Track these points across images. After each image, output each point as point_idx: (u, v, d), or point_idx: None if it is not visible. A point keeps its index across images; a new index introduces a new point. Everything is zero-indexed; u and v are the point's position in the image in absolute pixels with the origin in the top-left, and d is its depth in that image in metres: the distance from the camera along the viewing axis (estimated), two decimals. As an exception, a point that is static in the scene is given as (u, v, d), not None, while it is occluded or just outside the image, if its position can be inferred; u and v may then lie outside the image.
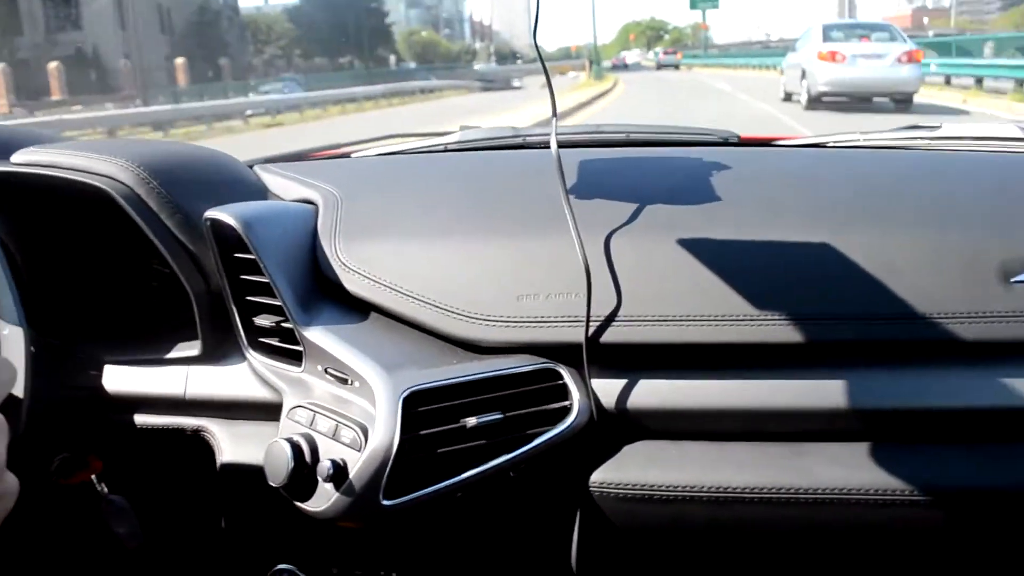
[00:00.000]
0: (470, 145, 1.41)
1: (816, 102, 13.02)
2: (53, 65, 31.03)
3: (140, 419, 1.00)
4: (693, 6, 57.67)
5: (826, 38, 13.57)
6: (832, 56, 12.76)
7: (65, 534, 1.07)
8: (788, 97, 15.24)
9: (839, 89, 12.78)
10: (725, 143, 1.36)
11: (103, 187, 0.95)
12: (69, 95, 29.72)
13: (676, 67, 60.31)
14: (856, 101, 13.01)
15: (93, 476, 1.02)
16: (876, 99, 13.24)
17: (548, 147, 1.29)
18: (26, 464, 0.73)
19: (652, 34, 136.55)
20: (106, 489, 1.04)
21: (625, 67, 75.27)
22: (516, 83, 40.88)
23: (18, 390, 0.73)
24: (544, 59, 1.00)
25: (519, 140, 1.40)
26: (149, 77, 36.73)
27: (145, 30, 44.95)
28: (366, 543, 0.94)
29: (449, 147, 1.41)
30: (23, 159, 1.00)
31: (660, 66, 62.77)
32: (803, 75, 13.42)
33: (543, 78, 1.01)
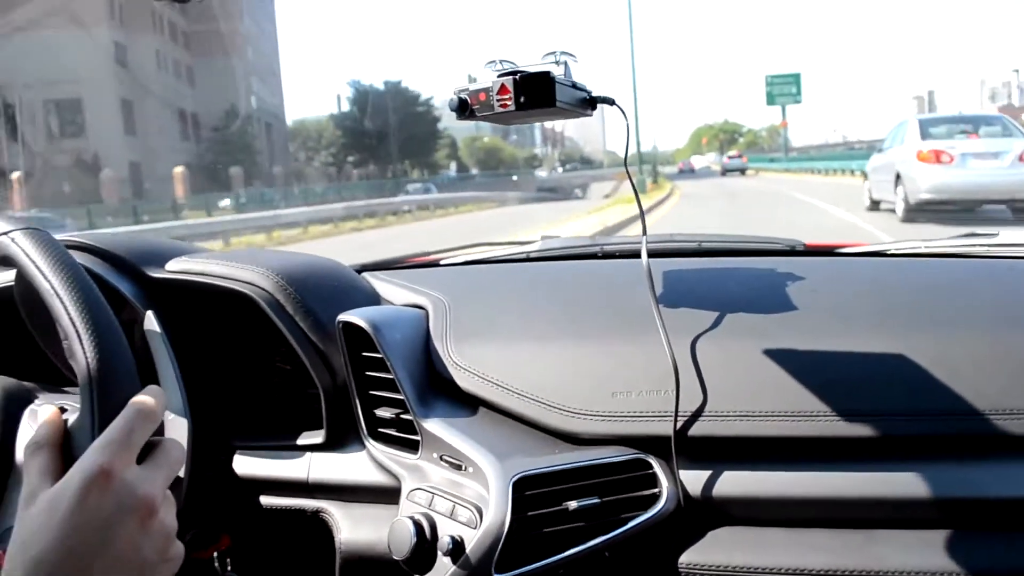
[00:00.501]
0: (551, 254, 1.54)
1: (916, 211, 10.81)
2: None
3: (266, 500, 1.12)
4: (770, 101, 51.55)
5: (925, 135, 11.39)
6: (936, 156, 10.64)
7: None
8: (875, 205, 13.22)
9: (946, 196, 10.53)
10: (792, 252, 1.46)
11: (248, 293, 1.09)
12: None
13: (742, 172, 56.19)
14: (963, 210, 10.74)
15: (216, 552, 1.13)
16: (988, 206, 11.17)
17: (626, 256, 1.41)
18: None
19: (725, 137, 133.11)
20: (229, 566, 1.14)
21: (692, 172, 71.40)
22: (579, 192, 40.21)
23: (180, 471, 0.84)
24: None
25: (596, 250, 1.53)
26: (143, 186, 34.85)
27: (158, 136, 43.29)
28: None
29: (531, 256, 1.54)
30: (178, 267, 1.15)
31: (725, 171, 58.06)
32: (897, 180, 11.32)
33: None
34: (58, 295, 0.79)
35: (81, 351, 0.77)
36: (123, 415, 0.73)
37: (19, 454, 1.00)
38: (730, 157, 66.63)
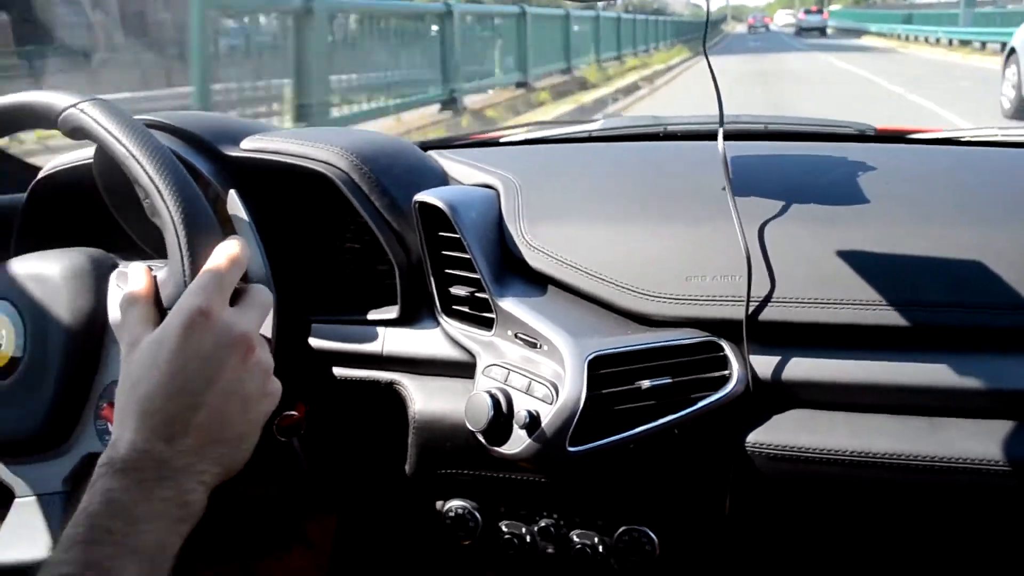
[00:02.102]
0: (614, 133, 1.54)
1: None
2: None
3: (340, 372, 1.16)
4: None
5: None
6: None
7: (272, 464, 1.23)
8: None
9: None
10: (863, 136, 1.45)
11: (324, 172, 1.11)
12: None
13: (822, 32, 47.33)
14: None
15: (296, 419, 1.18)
16: None
17: (693, 137, 1.41)
18: None
19: None
20: (303, 432, 1.19)
21: (766, 30, 59.87)
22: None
23: (266, 329, 0.88)
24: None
25: (659, 130, 1.52)
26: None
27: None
28: (535, 486, 1.07)
29: (593, 135, 1.54)
30: (254, 145, 1.16)
31: (800, 30, 48.67)
32: None
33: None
34: (134, 156, 0.83)
35: (163, 205, 0.81)
36: (212, 261, 0.78)
37: (112, 313, 1.05)
38: (807, 12, 53.91)
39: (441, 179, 1.24)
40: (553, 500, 1.08)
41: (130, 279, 0.81)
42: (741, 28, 68.61)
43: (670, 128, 1.51)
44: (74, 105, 0.86)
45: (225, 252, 0.78)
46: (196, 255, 0.80)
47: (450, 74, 10.84)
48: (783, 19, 74.47)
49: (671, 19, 35.61)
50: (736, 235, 0.99)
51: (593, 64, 17.34)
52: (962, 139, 1.38)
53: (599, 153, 1.42)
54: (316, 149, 1.13)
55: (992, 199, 1.07)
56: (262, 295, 0.81)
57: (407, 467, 1.11)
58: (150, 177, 0.82)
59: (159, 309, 0.79)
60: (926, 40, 30.56)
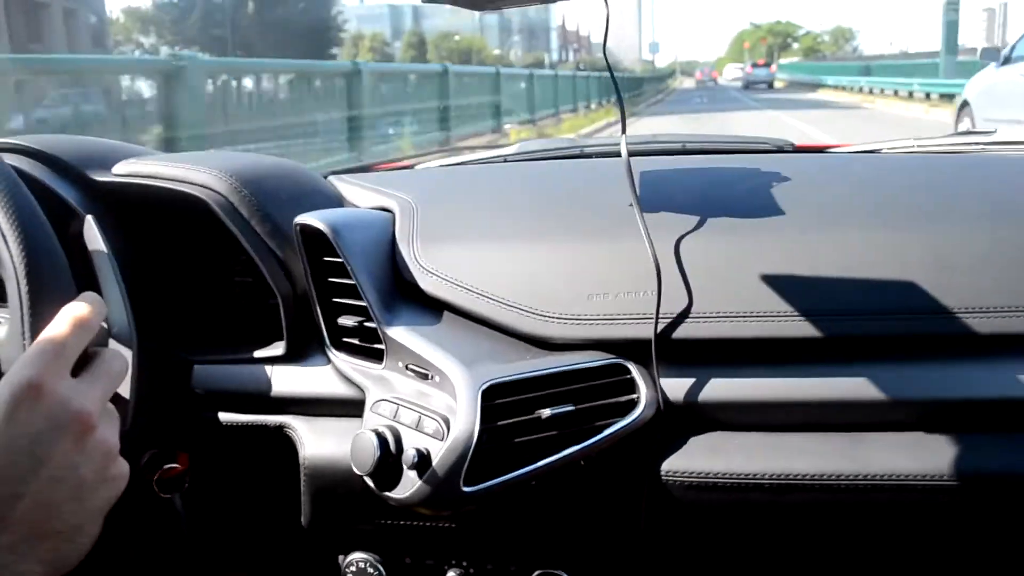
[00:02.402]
0: (530, 156, 1.48)
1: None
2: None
3: (225, 416, 1.06)
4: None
5: None
6: None
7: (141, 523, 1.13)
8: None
9: None
10: (780, 151, 1.41)
11: (201, 196, 1.02)
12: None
13: (769, 85, 46.32)
14: None
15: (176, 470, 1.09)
16: None
17: (604, 156, 1.36)
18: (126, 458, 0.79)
19: (776, 41, 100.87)
20: (187, 485, 1.10)
21: (714, 84, 59.67)
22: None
23: (124, 390, 0.79)
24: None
25: (576, 150, 1.46)
26: None
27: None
28: (439, 532, 0.99)
29: (509, 158, 1.47)
30: (125, 170, 1.07)
31: (748, 85, 47.21)
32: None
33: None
34: None
35: (7, 254, 0.70)
36: (54, 323, 0.67)
37: None
38: (754, 66, 53.06)
39: (336, 204, 1.15)
40: (461, 547, 1.00)
41: None
42: (689, 83, 66.71)
43: (587, 149, 1.45)
44: None
45: (71, 314, 0.68)
46: (38, 315, 0.69)
47: (356, 136, 10.10)
48: (732, 72, 72.69)
49: (623, 75, 35.58)
50: (643, 250, 0.92)
51: (523, 124, 17.05)
52: (882, 150, 1.34)
53: (509, 174, 1.36)
54: (192, 172, 1.04)
55: (909, 204, 1.02)
56: (114, 362, 0.71)
57: (302, 518, 1.02)
58: None
59: None
60: (896, 94, 26.58)
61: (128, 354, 0.80)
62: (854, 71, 37.79)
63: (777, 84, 49.24)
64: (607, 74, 1.07)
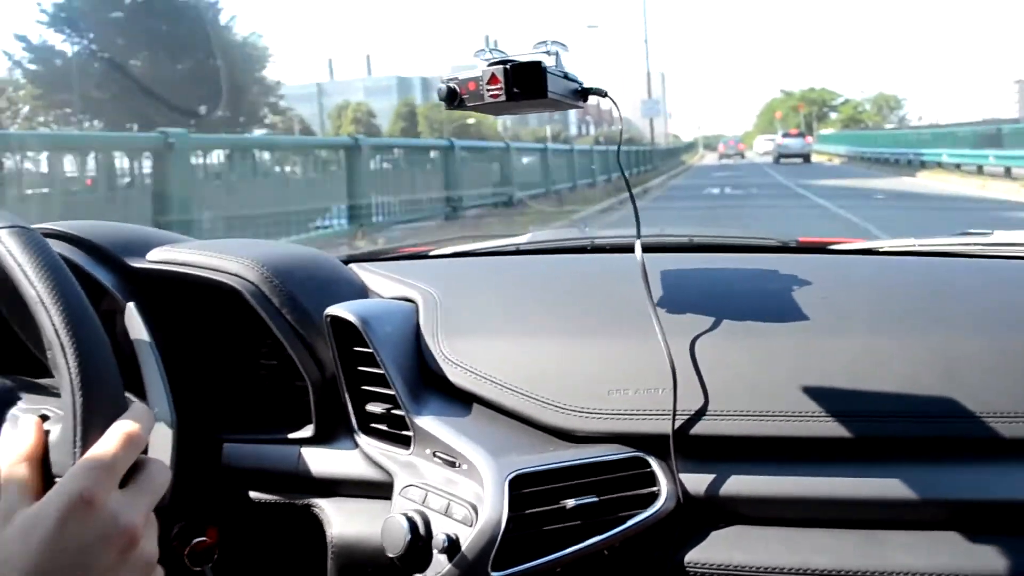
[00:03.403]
0: (542, 247, 1.53)
1: None
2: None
3: (254, 495, 1.09)
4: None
5: None
6: None
7: None
8: None
9: None
10: (784, 248, 1.46)
11: (234, 285, 1.07)
12: None
13: (806, 159, 40.12)
14: None
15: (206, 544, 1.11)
16: None
17: (618, 250, 1.41)
18: (160, 530, 0.81)
19: (812, 110, 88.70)
20: (216, 558, 1.12)
21: (741, 157, 52.12)
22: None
23: (164, 454, 0.81)
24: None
25: (586, 243, 1.51)
26: None
27: None
28: None
29: (521, 248, 1.53)
30: (160, 257, 1.12)
31: (780, 157, 40.56)
32: None
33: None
34: (43, 303, 0.74)
35: (65, 365, 0.73)
36: (107, 437, 0.70)
37: None
38: (786, 136, 44.13)
39: (360, 292, 1.20)
40: None
41: (19, 433, 0.74)
42: (711, 158, 57.33)
43: (597, 241, 1.51)
44: None
45: (122, 430, 0.71)
46: (91, 424, 0.72)
47: (359, 209, 10.15)
48: (762, 146, 60.97)
49: (642, 148, 32.63)
50: (659, 347, 0.96)
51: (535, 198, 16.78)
52: (880, 249, 1.40)
53: (523, 266, 1.41)
54: (225, 261, 1.09)
55: (914, 307, 1.07)
56: (158, 475, 0.73)
57: None
58: (56, 332, 0.74)
59: (44, 474, 0.72)
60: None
61: (169, 452, 0.83)
62: (947, 141, 26.36)
63: (830, 160, 41.62)
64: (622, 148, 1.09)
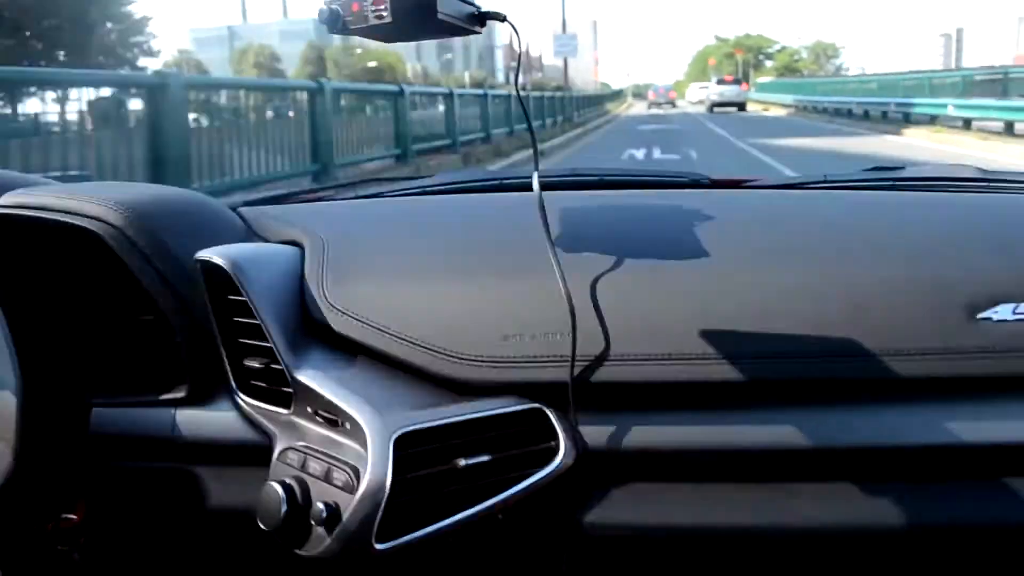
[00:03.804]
0: (448, 188, 1.44)
1: None
2: None
3: (126, 463, 1.00)
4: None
5: None
6: None
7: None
8: None
9: None
10: (696, 185, 1.40)
11: (93, 229, 0.96)
12: None
13: (740, 107, 38.22)
14: None
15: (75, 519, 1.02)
16: None
17: (525, 190, 1.33)
18: (15, 508, 0.73)
19: (748, 58, 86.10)
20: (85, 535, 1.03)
21: (671, 106, 49.58)
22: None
23: (6, 436, 0.73)
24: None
25: (496, 183, 1.43)
26: None
27: None
28: None
29: (427, 189, 1.44)
30: (11, 201, 1.01)
31: (715, 106, 38.36)
32: None
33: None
34: None
35: None
36: None
37: None
38: (720, 83, 41.98)
39: (242, 238, 1.10)
40: None
41: None
42: (640, 108, 51.85)
43: (507, 181, 1.42)
44: None
45: None
46: None
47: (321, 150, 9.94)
48: (696, 94, 57.84)
49: (556, 95, 27.64)
50: (558, 289, 0.89)
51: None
52: (792, 183, 1.35)
53: (423, 208, 1.32)
54: (84, 203, 0.98)
55: (825, 242, 1.02)
56: None
57: (209, 571, 0.96)
58: None
59: None
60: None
61: (10, 417, 0.75)
62: (921, 90, 21.40)
63: (765, 109, 37.98)
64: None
